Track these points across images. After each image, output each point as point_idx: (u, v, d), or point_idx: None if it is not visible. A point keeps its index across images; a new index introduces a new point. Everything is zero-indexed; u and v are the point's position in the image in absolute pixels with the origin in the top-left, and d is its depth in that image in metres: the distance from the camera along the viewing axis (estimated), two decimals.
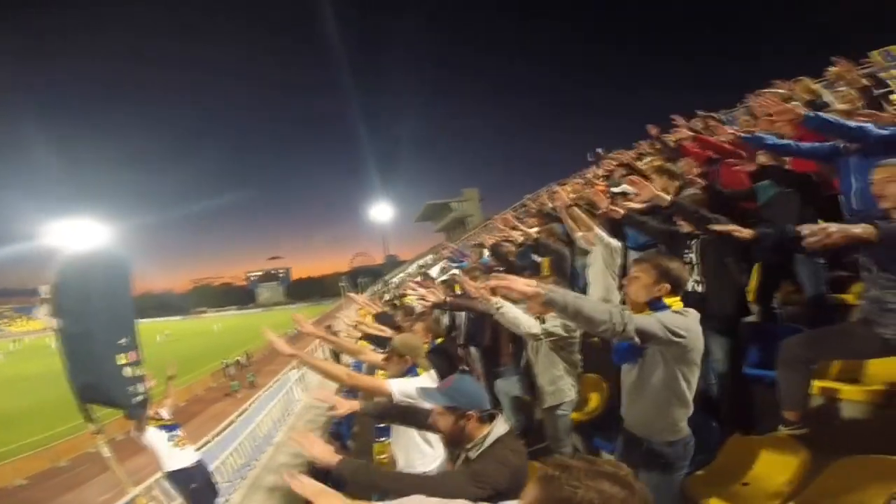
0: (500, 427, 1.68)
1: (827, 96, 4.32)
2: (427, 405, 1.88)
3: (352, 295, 7.89)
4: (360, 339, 4.74)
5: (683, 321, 1.78)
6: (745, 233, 2.24)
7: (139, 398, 4.53)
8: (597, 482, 0.79)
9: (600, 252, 3.51)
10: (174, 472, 4.98)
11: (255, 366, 31.68)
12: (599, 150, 9.07)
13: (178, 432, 5.14)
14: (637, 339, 1.67)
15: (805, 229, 1.66)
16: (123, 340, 4.35)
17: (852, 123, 2.49)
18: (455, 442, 1.72)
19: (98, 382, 4.25)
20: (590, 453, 3.11)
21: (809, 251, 1.73)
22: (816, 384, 2.32)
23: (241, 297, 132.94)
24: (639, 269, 1.96)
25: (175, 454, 4.96)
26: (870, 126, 2.45)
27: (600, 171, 7.82)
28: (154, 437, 4.89)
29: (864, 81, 3.88)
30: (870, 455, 1.69)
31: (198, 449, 5.69)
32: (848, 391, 2.29)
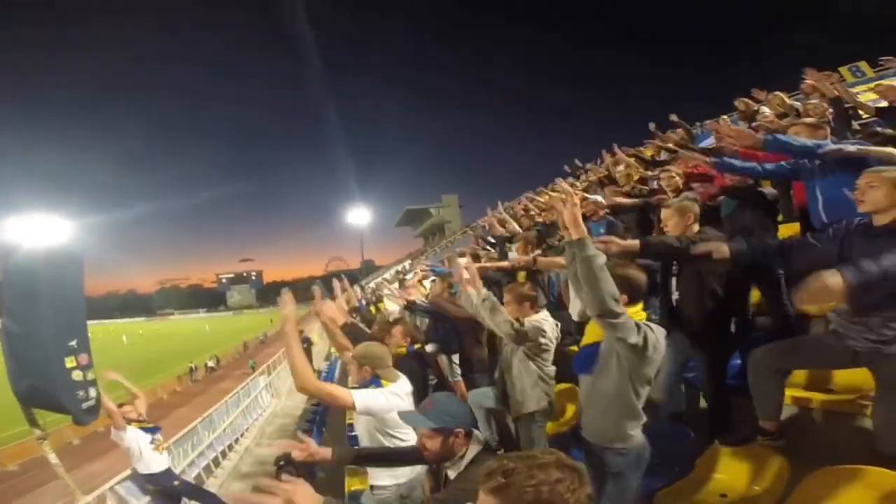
0: (478, 443, 1.69)
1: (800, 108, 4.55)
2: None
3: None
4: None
5: (651, 335, 1.86)
6: (723, 251, 2.19)
7: (89, 403, 4.29)
8: (548, 473, 0.77)
9: None
10: (145, 475, 4.88)
11: (223, 370, 30.67)
12: (578, 162, 9.22)
13: (159, 436, 5.05)
14: (616, 328, 1.78)
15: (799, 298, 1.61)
16: (73, 342, 4.12)
17: (810, 142, 2.55)
18: (443, 460, 1.73)
19: (43, 386, 4.03)
20: None
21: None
22: (788, 393, 2.33)
23: (210, 299, 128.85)
24: None
25: (153, 458, 4.86)
26: (827, 142, 2.54)
27: (579, 184, 7.90)
28: (136, 438, 4.78)
29: (836, 92, 4.01)
30: (847, 465, 1.70)
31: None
32: (819, 400, 2.32)
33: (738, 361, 2.78)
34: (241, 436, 9.50)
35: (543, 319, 2.91)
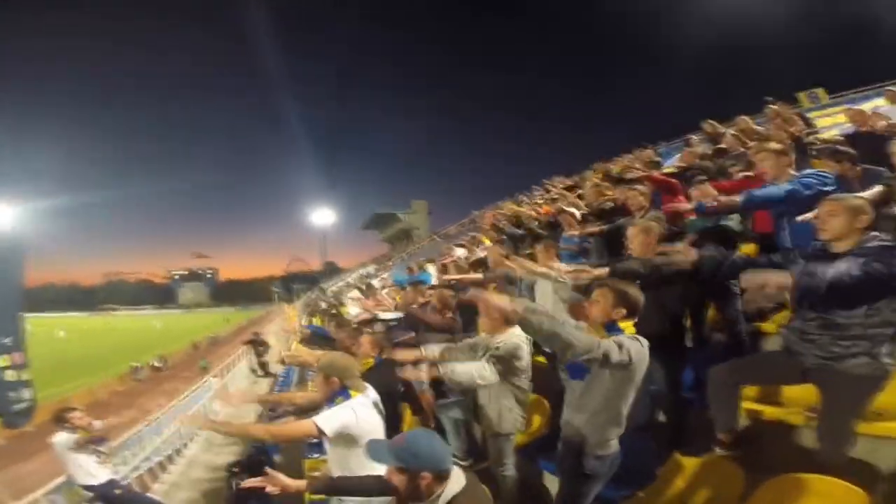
0: (456, 484, 1.59)
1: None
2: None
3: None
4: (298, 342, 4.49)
5: (637, 347, 1.95)
6: (690, 256, 2.35)
7: (22, 405, 3.96)
8: None
9: (550, 283, 3.57)
10: (85, 486, 4.51)
11: (172, 370, 28.98)
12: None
13: (105, 448, 4.67)
14: (598, 360, 1.84)
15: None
16: (7, 340, 3.80)
17: (782, 191, 2.62)
18: (410, 500, 1.61)
19: None
20: (533, 475, 3.08)
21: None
22: (743, 406, 2.46)
23: (159, 295, 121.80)
24: (600, 293, 2.12)
25: (97, 470, 4.50)
26: (797, 189, 2.60)
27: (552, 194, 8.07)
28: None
29: (799, 123, 4.24)
30: (796, 474, 1.82)
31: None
32: (770, 413, 2.48)
33: (692, 374, 2.94)
34: (191, 440, 9.00)
35: (517, 334, 2.82)
